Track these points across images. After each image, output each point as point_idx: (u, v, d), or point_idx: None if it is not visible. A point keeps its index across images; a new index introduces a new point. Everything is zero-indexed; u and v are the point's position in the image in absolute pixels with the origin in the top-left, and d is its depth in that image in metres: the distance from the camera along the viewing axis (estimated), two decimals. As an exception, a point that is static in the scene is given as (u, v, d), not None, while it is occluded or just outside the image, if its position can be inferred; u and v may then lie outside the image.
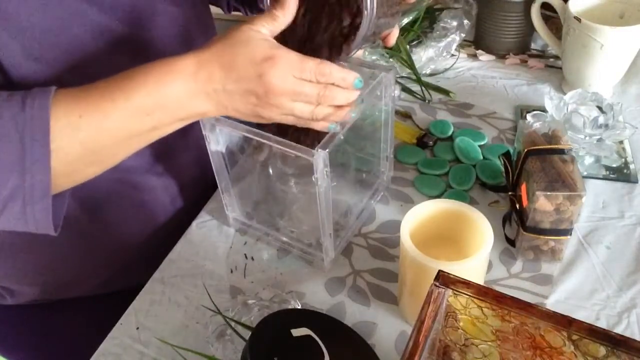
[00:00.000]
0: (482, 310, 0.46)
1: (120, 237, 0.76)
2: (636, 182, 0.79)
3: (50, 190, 0.50)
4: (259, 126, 0.62)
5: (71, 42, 0.59)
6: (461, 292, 0.45)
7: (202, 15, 0.77)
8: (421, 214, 0.63)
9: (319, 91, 0.54)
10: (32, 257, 0.73)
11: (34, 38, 0.56)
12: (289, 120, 0.57)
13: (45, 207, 0.51)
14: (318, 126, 0.58)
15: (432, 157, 0.86)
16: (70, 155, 0.51)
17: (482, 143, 0.87)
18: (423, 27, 1.06)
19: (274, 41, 0.54)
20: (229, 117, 0.60)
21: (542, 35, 0.98)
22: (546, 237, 0.67)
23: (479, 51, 1.06)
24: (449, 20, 1.03)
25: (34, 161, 0.49)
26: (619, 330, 0.63)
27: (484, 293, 0.45)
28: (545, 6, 0.94)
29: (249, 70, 0.52)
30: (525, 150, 0.69)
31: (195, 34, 0.74)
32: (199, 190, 0.83)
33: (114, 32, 0.62)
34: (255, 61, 0.52)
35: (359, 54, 0.65)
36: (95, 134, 0.51)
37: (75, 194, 0.67)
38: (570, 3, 0.88)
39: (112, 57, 0.61)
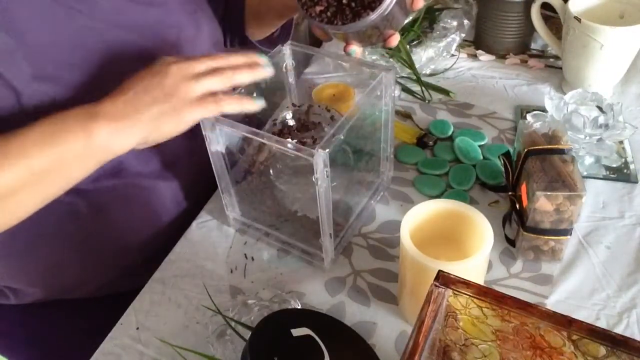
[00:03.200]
0: (482, 310, 0.46)
1: (124, 239, 0.76)
2: (636, 182, 0.79)
3: None
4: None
5: (85, 58, 0.60)
6: (461, 292, 0.45)
7: (215, 33, 0.78)
8: (421, 214, 0.63)
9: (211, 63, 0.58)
10: (37, 259, 0.73)
11: (45, 56, 0.57)
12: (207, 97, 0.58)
13: None
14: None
15: (432, 157, 0.86)
16: None
17: (482, 143, 0.87)
18: (423, 27, 1.06)
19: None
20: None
21: (542, 35, 0.98)
22: (546, 237, 0.67)
23: (479, 51, 1.06)
24: (449, 20, 1.03)
25: None
26: (619, 330, 0.63)
27: (484, 293, 0.45)
28: (545, 6, 0.94)
29: (141, 78, 0.56)
30: (525, 150, 0.69)
31: (200, 43, 0.74)
32: (200, 190, 0.83)
33: (125, 47, 0.63)
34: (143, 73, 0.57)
35: (358, 52, 0.65)
36: (6, 183, 0.52)
37: (81, 196, 0.67)
38: (570, 3, 0.88)
39: (125, 73, 0.61)
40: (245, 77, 0.60)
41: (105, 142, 0.55)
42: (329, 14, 0.60)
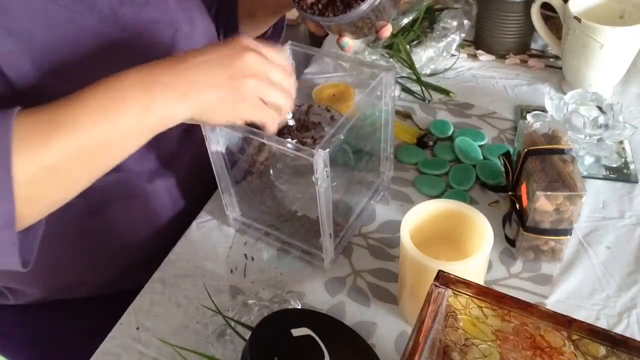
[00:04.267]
0: (482, 310, 0.46)
1: (123, 238, 0.76)
2: (636, 182, 0.79)
3: (14, 218, 0.48)
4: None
5: (82, 56, 0.59)
6: (461, 292, 0.45)
7: (209, 30, 0.78)
8: (421, 214, 0.63)
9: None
10: (36, 259, 0.73)
11: (44, 55, 0.56)
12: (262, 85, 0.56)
13: (9, 237, 0.48)
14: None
15: (432, 157, 0.86)
16: (25, 177, 0.48)
17: (482, 143, 0.87)
18: (423, 27, 1.06)
19: None
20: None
21: (542, 35, 0.98)
22: (546, 237, 0.67)
23: (479, 51, 1.06)
24: (449, 20, 1.03)
25: None
26: (619, 330, 0.63)
27: (484, 293, 0.45)
28: (545, 6, 0.94)
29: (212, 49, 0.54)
30: (525, 150, 0.69)
31: (195, 41, 0.74)
32: (199, 190, 0.83)
33: (121, 46, 0.63)
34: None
35: (351, 44, 0.65)
36: (58, 154, 0.49)
37: (80, 196, 0.67)
38: (570, 3, 0.88)
39: (116, 65, 0.61)
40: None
41: (164, 113, 0.52)
42: (320, 6, 0.60)
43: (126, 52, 0.64)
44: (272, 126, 0.58)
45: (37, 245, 0.54)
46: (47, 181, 0.50)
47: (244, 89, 0.54)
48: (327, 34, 0.67)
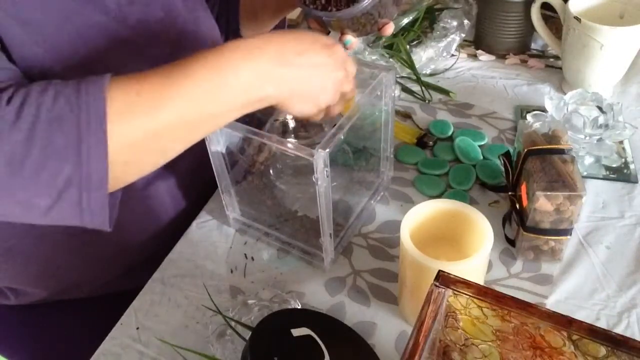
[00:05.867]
0: (482, 310, 0.46)
1: (124, 239, 0.76)
2: (636, 182, 0.79)
3: (107, 179, 0.48)
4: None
5: (88, 52, 0.59)
6: (461, 292, 0.45)
7: (213, 31, 0.78)
8: (421, 214, 0.63)
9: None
10: (37, 259, 0.73)
11: (49, 39, 0.56)
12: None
13: (101, 197, 0.48)
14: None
15: (432, 157, 0.86)
16: (127, 139, 0.48)
17: (482, 143, 0.87)
18: (423, 27, 1.06)
19: None
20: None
21: (542, 35, 0.98)
22: (546, 237, 0.67)
23: (479, 51, 1.06)
24: (449, 20, 1.03)
25: (89, 147, 0.46)
26: (619, 330, 0.63)
27: (484, 293, 0.45)
28: (545, 6, 0.94)
29: (316, 43, 0.56)
30: (525, 150, 0.69)
31: (199, 40, 0.74)
32: (199, 190, 0.83)
33: (127, 45, 0.63)
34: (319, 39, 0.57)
35: (353, 42, 0.65)
36: (154, 116, 0.49)
37: None
38: (570, 3, 0.88)
39: (127, 70, 0.61)
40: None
41: (262, 96, 0.53)
42: (323, 1, 0.60)
43: (132, 49, 0.64)
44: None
45: (118, 208, 0.54)
46: (146, 147, 0.50)
47: (332, 75, 0.57)
48: (328, 32, 0.67)
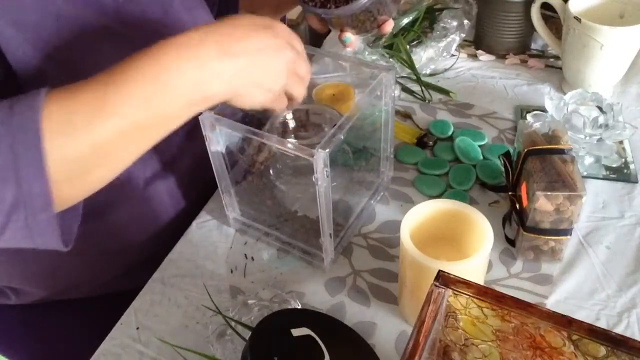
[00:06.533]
0: (482, 310, 0.46)
1: (124, 239, 0.76)
2: (636, 182, 0.79)
3: (50, 199, 0.46)
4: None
5: (87, 51, 0.59)
6: (461, 292, 0.45)
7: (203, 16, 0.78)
8: (421, 214, 0.63)
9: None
10: (38, 259, 0.73)
11: (44, 38, 0.56)
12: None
13: (47, 218, 0.47)
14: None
15: (432, 157, 0.86)
16: (69, 155, 0.46)
17: (482, 143, 0.87)
18: (423, 27, 1.06)
19: None
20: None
21: (542, 35, 0.98)
22: (546, 237, 0.67)
23: (479, 51, 1.06)
24: (449, 20, 1.03)
25: (27, 166, 0.45)
26: (619, 330, 0.63)
27: (484, 293, 0.45)
28: (545, 6, 0.94)
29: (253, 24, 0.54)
30: (525, 150, 0.69)
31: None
32: (199, 190, 0.83)
33: (126, 44, 0.62)
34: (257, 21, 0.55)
35: (353, 39, 0.65)
36: (95, 128, 0.47)
37: None
38: (570, 3, 0.88)
39: (112, 55, 0.61)
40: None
41: (210, 94, 0.52)
42: None
43: (130, 49, 0.64)
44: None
45: (79, 223, 0.52)
46: (91, 162, 0.48)
47: (280, 53, 0.55)
48: (328, 32, 0.66)
